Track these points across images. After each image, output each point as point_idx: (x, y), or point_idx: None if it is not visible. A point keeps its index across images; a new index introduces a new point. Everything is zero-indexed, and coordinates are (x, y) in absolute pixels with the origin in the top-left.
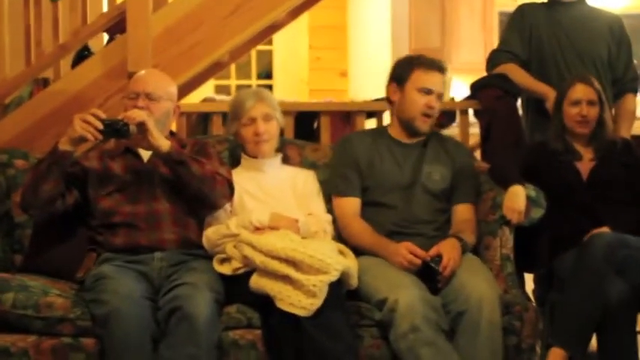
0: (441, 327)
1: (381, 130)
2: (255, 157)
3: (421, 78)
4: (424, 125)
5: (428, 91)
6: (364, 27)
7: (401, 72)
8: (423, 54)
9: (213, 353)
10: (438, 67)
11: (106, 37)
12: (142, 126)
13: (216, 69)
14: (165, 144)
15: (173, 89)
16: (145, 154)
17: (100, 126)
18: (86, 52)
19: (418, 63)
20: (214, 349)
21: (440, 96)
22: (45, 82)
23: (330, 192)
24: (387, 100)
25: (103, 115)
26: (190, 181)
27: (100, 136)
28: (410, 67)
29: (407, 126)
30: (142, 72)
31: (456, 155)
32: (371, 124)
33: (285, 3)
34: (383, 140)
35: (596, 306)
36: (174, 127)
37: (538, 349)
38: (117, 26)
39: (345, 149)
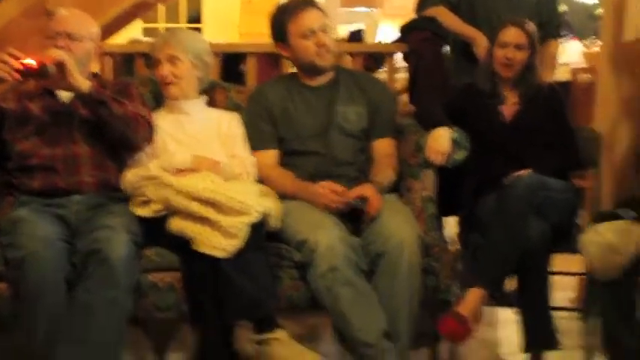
0: (360, 268)
1: (292, 75)
2: (174, 99)
3: (297, 25)
4: (324, 61)
5: (311, 32)
6: None
7: (278, 30)
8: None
9: (131, 296)
10: (308, 3)
11: None
12: (61, 66)
13: (142, 9)
14: (85, 84)
15: (95, 29)
16: (65, 96)
17: (18, 65)
18: None
19: (288, 12)
20: (131, 292)
21: (325, 28)
22: None
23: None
24: (283, 55)
25: (20, 55)
26: (111, 122)
27: (18, 76)
28: (282, 21)
29: (310, 69)
30: (63, 11)
31: (371, 91)
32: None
33: None
34: (294, 87)
35: (516, 246)
36: (97, 68)
37: (457, 288)
38: None
39: (258, 101)
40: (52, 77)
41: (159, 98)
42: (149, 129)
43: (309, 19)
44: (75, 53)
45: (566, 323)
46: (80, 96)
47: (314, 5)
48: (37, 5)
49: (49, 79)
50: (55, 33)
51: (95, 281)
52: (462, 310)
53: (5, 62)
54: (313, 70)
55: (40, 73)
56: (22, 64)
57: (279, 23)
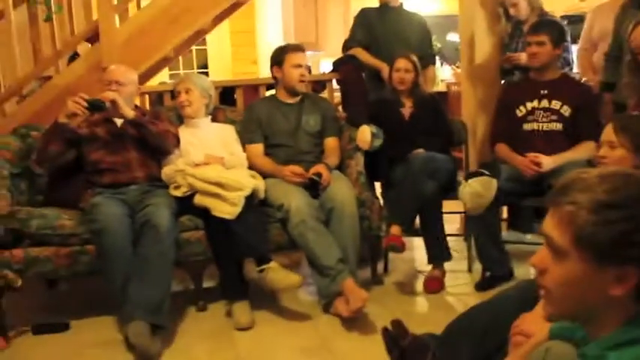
0: (320, 219)
1: (272, 97)
2: (189, 118)
3: (292, 58)
4: (302, 87)
5: (299, 66)
6: (266, 29)
7: (278, 58)
8: (290, 43)
9: (173, 249)
10: (301, 49)
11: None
12: (114, 102)
13: (165, 63)
14: (130, 113)
15: (134, 76)
16: (119, 122)
17: (85, 104)
18: (75, 55)
19: (288, 49)
20: (174, 246)
21: (307, 67)
22: (48, 78)
23: (243, 141)
24: (273, 77)
25: (87, 97)
26: (149, 136)
27: (86, 111)
28: (283, 53)
29: (290, 91)
30: (112, 66)
31: (323, 107)
32: (271, 92)
33: (208, 13)
34: (274, 103)
35: (417, 197)
36: (139, 102)
37: (384, 226)
38: (95, 36)
39: (250, 112)
40: (109, 110)
41: (180, 119)
42: (176, 140)
43: (300, 57)
44: (122, 93)
45: (456, 244)
46: (128, 121)
47: (304, 50)
48: (96, 64)
49: (107, 112)
50: (107, 81)
51: (148, 241)
52: (393, 231)
53: (77, 102)
54: (292, 91)
55: (99, 107)
56: (88, 102)
57: (281, 54)
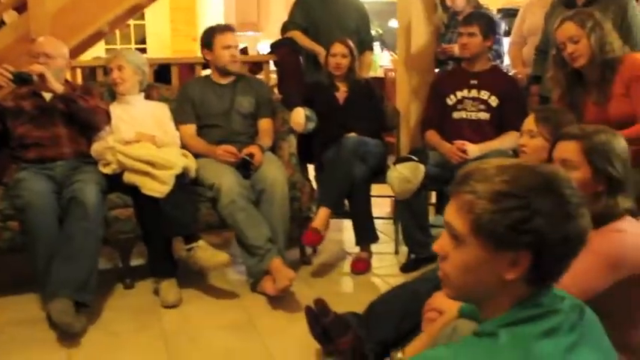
0: (250, 199)
1: (206, 77)
2: (122, 95)
3: (222, 39)
4: (234, 67)
5: (228, 47)
6: (206, 7)
7: (207, 40)
8: (218, 23)
9: (101, 226)
10: (230, 29)
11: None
12: (42, 76)
13: (99, 36)
14: (59, 88)
15: (65, 50)
16: (47, 96)
17: (10, 76)
18: (2, 23)
19: (216, 30)
20: (102, 223)
21: (237, 46)
22: None
23: (176, 122)
24: (205, 60)
25: (12, 69)
26: (79, 112)
27: (11, 84)
28: (211, 34)
29: (222, 71)
30: (41, 38)
31: (258, 89)
32: (207, 72)
33: None
34: (208, 84)
35: (347, 180)
36: (70, 76)
37: (315, 208)
38: (24, 4)
39: (183, 92)
40: (36, 83)
41: (113, 95)
42: (106, 116)
43: (229, 37)
44: (51, 67)
45: (384, 227)
46: (57, 96)
47: (233, 30)
48: (24, 35)
49: (35, 85)
50: (36, 54)
51: (74, 218)
52: (315, 225)
53: (3, 74)
54: (224, 72)
55: (26, 80)
56: (14, 75)
57: (210, 36)
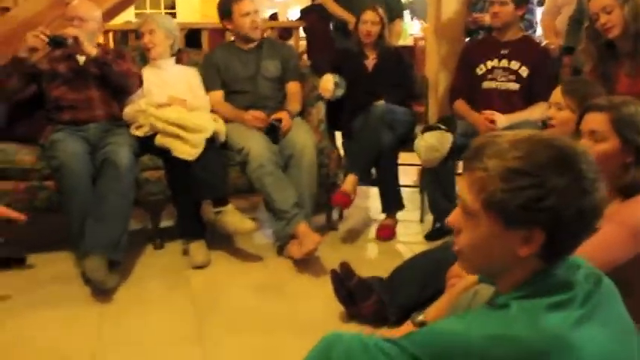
0: (279, 164)
1: (230, 43)
2: (153, 59)
3: (240, 7)
4: (256, 34)
5: (247, 14)
6: None
7: (225, 9)
8: None
9: (132, 187)
10: None
11: None
12: (76, 39)
13: (130, 1)
14: (93, 51)
15: (98, 13)
16: (81, 59)
17: (46, 39)
18: None
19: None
20: (133, 184)
21: (257, 11)
22: (5, 10)
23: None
24: (225, 28)
25: (48, 32)
26: (112, 75)
27: (47, 46)
28: (228, 3)
29: (245, 38)
30: (75, 1)
31: (283, 52)
32: None
33: None
34: (232, 50)
35: (374, 147)
36: (102, 40)
37: (342, 175)
38: None
39: (208, 60)
40: (71, 46)
41: (145, 59)
42: (139, 80)
43: (247, 4)
44: (85, 30)
45: (411, 195)
46: (91, 59)
47: None
48: None
49: (69, 48)
50: (70, 17)
51: (108, 179)
52: (345, 188)
53: (37, 37)
54: (247, 39)
55: (61, 43)
56: (49, 37)
57: (227, 5)
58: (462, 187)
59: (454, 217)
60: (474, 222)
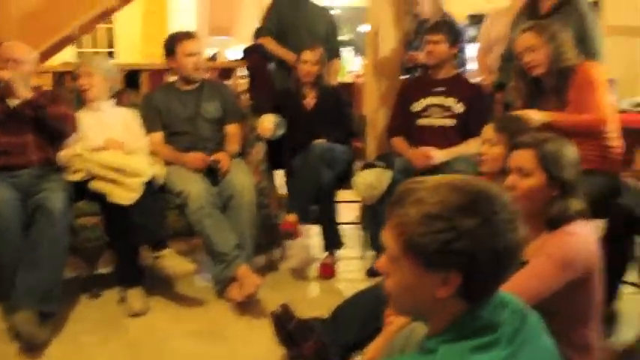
0: (218, 206)
1: (170, 84)
2: (91, 101)
3: (184, 47)
4: (197, 75)
5: (191, 54)
6: (178, 12)
7: (169, 47)
8: (180, 30)
9: (67, 234)
10: (192, 36)
11: None
12: (9, 82)
13: (69, 40)
14: (27, 94)
15: (33, 55)
16: (13, 102)
17: None
18: None
19: (178, 38)
20: (68, 231)
21: (200, 53)
22: None
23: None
24: (169, 67)
25: None
26: (47, 119)
27: None
28: (173, 42)
29: (186, 79)
30: (9, 43)
31: (223, 93)
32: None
33: None
34: (172, 91)
35: (314, 186)
36: (39, 81)
37: (283, 215)
38: None
39: (149, 101)
40: (3, 89)
41: (81, 101)
42: (74, 123)
43: (192, 45)
44: (19, 72)
45: (353, 232)
46: (25, 102)
47: (196, 37)
48: None
49: (1, 91)
50: (4, 59)
51: (41, 226)
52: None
53: None
54: (188, 80)
55: None
56: None
57: (172, 44)
58: (385, 232)
59: (381, 262)
60: (397, 266)
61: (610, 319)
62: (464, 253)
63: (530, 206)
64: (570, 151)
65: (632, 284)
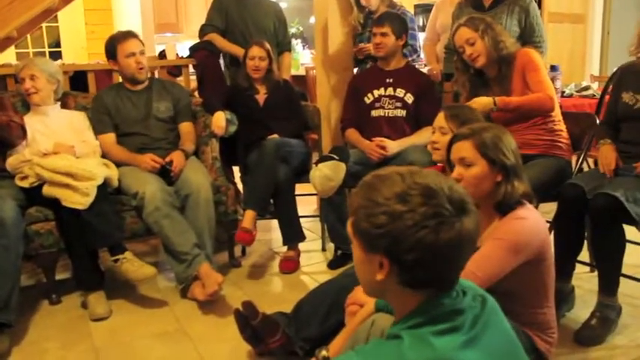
0: (175, 205)
1: (120, 84)
2: (37, 105)
3: (124, 48)
4: (142, 75)
5: (132, 54)
6: (123, 8)
7: (110, 50)
8: (119, 30)
9: (20, 242)
10: (132, 35)
11: None
12: None
13: (8, 42)
14: None
15: None
16: None
17: None
18: None
19: (117, 39)
20: (21, 239)
21: (142, 52)
22: None
23: (94, 132)
24: (113, 69)
25: None
26: None
27: None
28: (113, 44)
29: (132, 80)
30: None
31: (174, 92)
32: None
33: None
34: (122, 92)
35: (270, 181)
36: None
37: (241, 211)
38: None
39: (98, 102)
40: None
41: (27, 105)
42: (22, 131)
43: (131, 45)
44: None
45: (312, 225)
46: None
47: (135, 36)
48: None
49: None
50: None
51: None
52: (244, 225)
53: None
54: (133, 80)
55: None
56: None
57: (112, 46)
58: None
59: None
60: (353, 246)
61: (568, 297)
62: (385, 237)
63: (479, 194)
64: (507, 138)
65: (585, 263)
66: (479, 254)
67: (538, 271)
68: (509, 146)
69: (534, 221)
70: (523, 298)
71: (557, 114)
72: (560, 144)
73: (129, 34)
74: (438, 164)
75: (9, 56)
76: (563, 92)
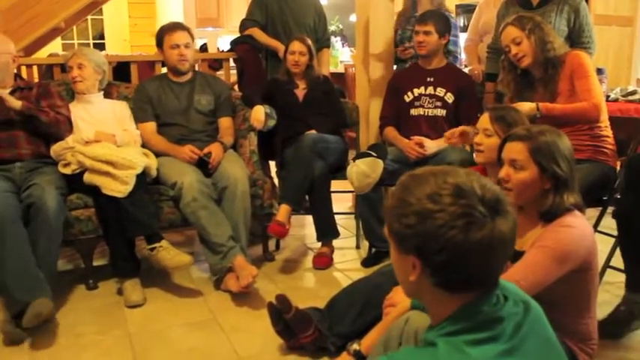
0: (212, 197)
1: (163, 75)
2: (82, 94)
3: (169, 39)
4: (183, 67)
5: (176, 46)
6: (166, 2)
7: (158, 39)
8: (171, 21)
9: (61, 229)
10: (179, 27)
11: None
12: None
13: (56, 33)
14: (17, 104)
15: (9, 46)
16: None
17: None
18: None
19: (165, 29)
20: (63, 225)
21: (187, 45)
22: None
23: (135, 120)
24: (160, 59)
25: None
26: (40, 126)
27: None
28: (161, 34)
29: (174, 70)
30: None
31: (216, 86)
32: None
33: None
34: (165, 82)
35: (306, 177)
36: (26, 74)
37: (277, 205)
38: None
39: (140, 91)
40: None
41: (72, 93)
42: (68, 123)
43: (177, 37)
44: None
45: (346, 222)
46: (16, 112)
47: (184, 28)
48: None
49: None
50: None
51: (36, 224)
52: (279, 218)
53: None
54: (176, 71)
55: None
56: None
57: (160, 35)
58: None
59: None
60: (391, 247)
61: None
62: (415, 237)
63: (524, 199)
64: (564, 145)
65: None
66: (523, 262)
67: (583, 280)
68: (564, 155)
69: (582, 230)
70: (565, 307)
71: (604, 119)
72: (605, 149)
73: (177, 26)
74: (479, 165)
75: (56, 47)
76: (608, 96)
